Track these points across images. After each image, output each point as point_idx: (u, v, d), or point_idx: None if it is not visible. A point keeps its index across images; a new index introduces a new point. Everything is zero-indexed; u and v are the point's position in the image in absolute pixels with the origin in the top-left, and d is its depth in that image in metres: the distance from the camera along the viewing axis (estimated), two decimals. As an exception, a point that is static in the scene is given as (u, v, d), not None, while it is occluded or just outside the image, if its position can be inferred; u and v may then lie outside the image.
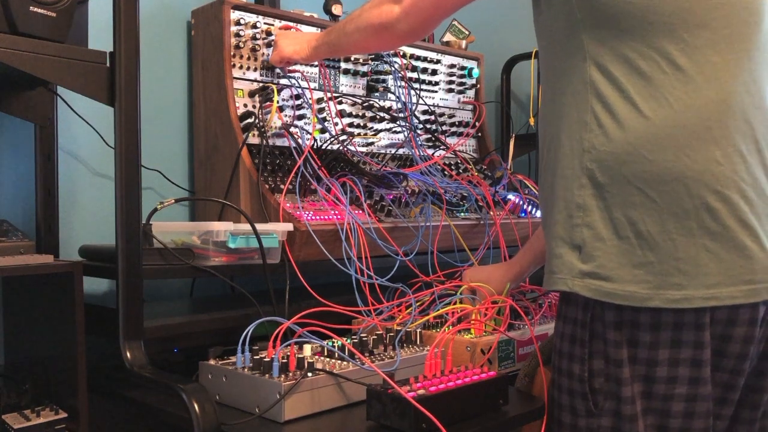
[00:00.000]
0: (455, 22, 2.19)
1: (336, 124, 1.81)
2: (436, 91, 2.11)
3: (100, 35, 1.34)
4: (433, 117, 2.08)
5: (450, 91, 2.16)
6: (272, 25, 1.72)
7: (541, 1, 1.12)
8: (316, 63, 1.75)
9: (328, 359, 1.18)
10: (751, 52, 1.04)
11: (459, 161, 2.08)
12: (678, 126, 1.00)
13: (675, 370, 1.01)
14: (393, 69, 1.94)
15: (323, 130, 1.75)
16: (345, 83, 1.87)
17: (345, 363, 1.15)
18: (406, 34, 1.34)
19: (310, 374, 1.09)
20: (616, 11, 1.02)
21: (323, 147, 1.71)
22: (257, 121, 1.63)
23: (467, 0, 1.26)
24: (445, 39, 2.20)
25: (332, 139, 1.75)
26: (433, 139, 2.03)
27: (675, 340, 1.00)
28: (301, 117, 1.74)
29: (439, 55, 2.11)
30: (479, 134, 2.22)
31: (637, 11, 1.01)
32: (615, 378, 1.03)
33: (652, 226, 0.99)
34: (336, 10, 1.87)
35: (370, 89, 1.93)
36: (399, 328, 1.33)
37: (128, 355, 1.17)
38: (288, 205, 1.51)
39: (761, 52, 1.06)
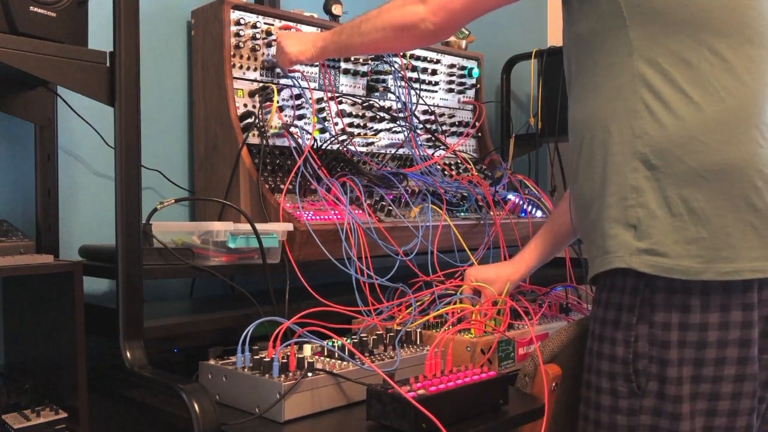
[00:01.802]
0: (455, 22, 2.18)
1: (336, 124, 1.81)
2: (436, 91, 2.11)
3: (100, 35, 1.34)
4: (433, 117, 2.08)
5: (450, 91, 2.16)
6: (272, 25, 1.72)
7: (573, 7, 1.16)
8: (316, 63, 1.75)
9: (328, 359, 1.18)
10: None
11: (459, 161, 2.08)
12: (726, 112, 1.07)
13: (723, 351, 1.05)
14: (393, 69, 1.94)
15: (323, 130, 1.75)
16: (345, 83, 1.87)
17: (345, 363, 1.15)
18: (430, 34, 1.33)
19: (310, 374, 1.09)
20: (666, 8, 1.08)
21: (323, 147, 1.71)
22: (257, 121, 1.63)
23: (502, 2, 1.26)
24: (445, 39, 2.20)
25: (332, 139, 1.75)
26: (433, 139, 2.03)
27: (723, 322, 1.04)
28: (301, 117, 1.74)
29: (439, 55, 2.11)
30: (479, 134, 2.22)
31: (688, 10, 1.08)
32: (659, 359, 1.06)
33: (704, 204, 1.05)
34: (336, 10, 1.87)
35: (370, 89, 1.93)
36: (399, 328, 1.33)
37: (128, 355, 1.17)
38: (288, 205, 1.51)
39: None
